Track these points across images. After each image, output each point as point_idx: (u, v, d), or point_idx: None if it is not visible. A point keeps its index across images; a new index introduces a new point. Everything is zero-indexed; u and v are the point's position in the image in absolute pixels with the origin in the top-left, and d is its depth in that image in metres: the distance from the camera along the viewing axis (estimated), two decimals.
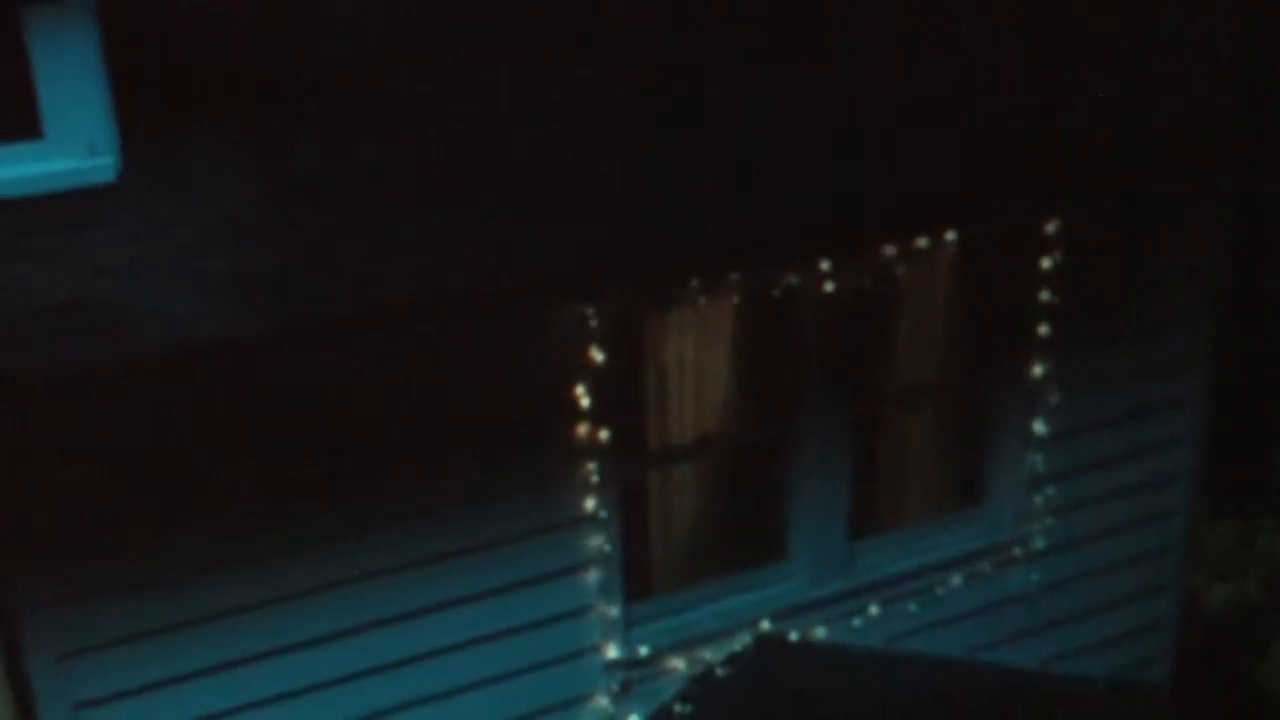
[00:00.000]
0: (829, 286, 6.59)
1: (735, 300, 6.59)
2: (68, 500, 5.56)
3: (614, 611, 6.76)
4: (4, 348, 4.91)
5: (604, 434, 6.40)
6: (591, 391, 6.29)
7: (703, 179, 5.76)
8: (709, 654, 7.05)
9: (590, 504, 6.49)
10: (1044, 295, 7.21)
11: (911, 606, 7.50)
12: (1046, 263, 7.15)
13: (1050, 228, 7.08)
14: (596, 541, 6.58)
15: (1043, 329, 7.28)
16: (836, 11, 6.23)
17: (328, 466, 5.90)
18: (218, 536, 5.84)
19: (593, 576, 6.64)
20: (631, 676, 6.91)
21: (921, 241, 6.72)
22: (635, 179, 5.65)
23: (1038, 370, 7.36)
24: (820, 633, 7.31)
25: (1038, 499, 7.62)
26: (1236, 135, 7.14)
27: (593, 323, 6.17)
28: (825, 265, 6.56)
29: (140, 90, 5.20)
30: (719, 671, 7.09)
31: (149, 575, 5.78)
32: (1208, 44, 7.12)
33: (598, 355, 6.24)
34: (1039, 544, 7.71)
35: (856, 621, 7.37)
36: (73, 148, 5.18)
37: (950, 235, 6.75)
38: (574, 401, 6.28)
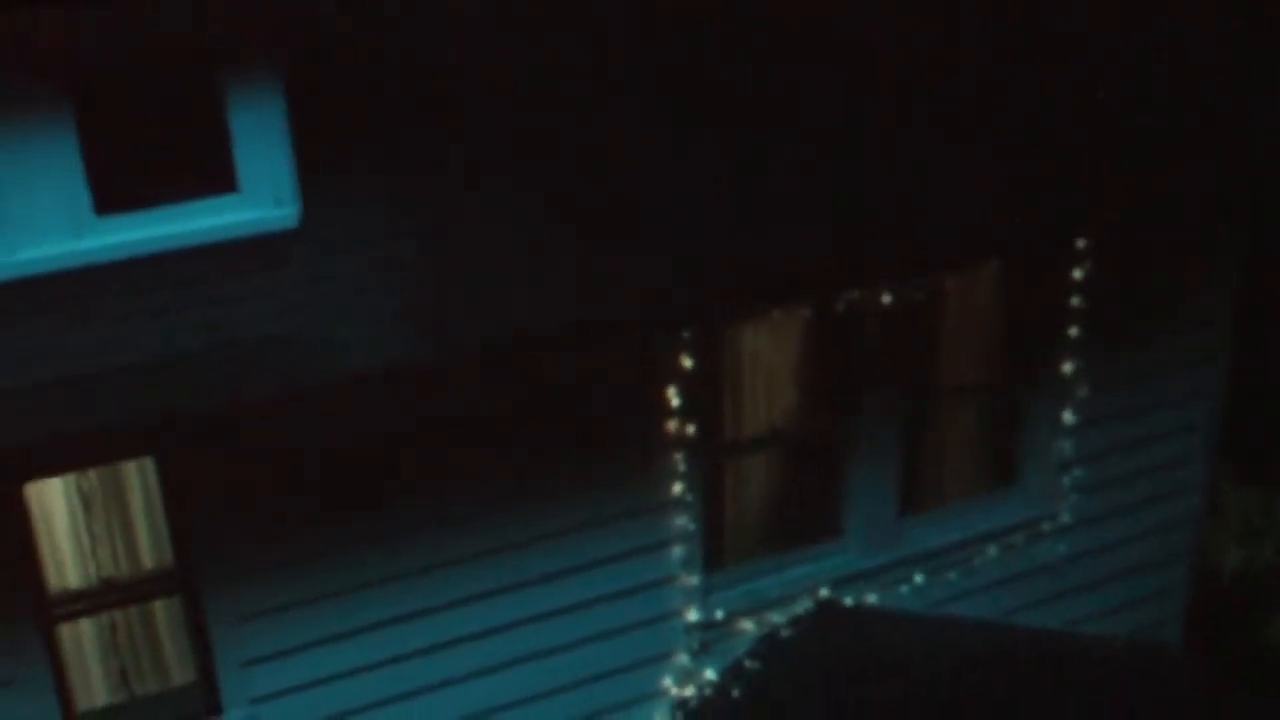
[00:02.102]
0: (886, 299, 7.87)
1: (805, 312, 7.89)
2: (245, 492, 6.89)
3: (695, 580, 8.08)
4: (215, 379, 6.24)
5: (690, 428, 7.71)
6: (681, 392, 7.61)
7: (787, 220, 7.07)
8: (775, 617, 8.36)
9: (677, 488, 7.80)
10: (1075, 301, 8.46)
11: (952, 575, 8.80)
12: (1077, 273, 8.40)
13: (1080, 242, 8.33)
14: (681, 521, 7.89)
15: (1073, 331, 8.54)
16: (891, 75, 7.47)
17: (462, 462, 7.23)
18: (365, 519, 7.17)
19: (677, 551, 7.96)
20: (709, 637, 8.23)
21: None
22: (730, 224, 6.96)
23: (1068, 367, 8.62)
24: (872, 599, 8.61)
25: (1066, 480, 8.90)
26: (1247, 158, 8.38)
27: (684, 334, 7.48)
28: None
29: (316, 149, 6.47)
30: (784, 632, 8.40)
31: (309, 553, 7.11)
32: (1220, 73, 8.33)
33: (687, 362, 7.54)
34: (1066, 519, 8.99)
35: (904, 589, 8.68)
36: (262, 199, 6.47)
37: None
38: (666, 401, 7.60)
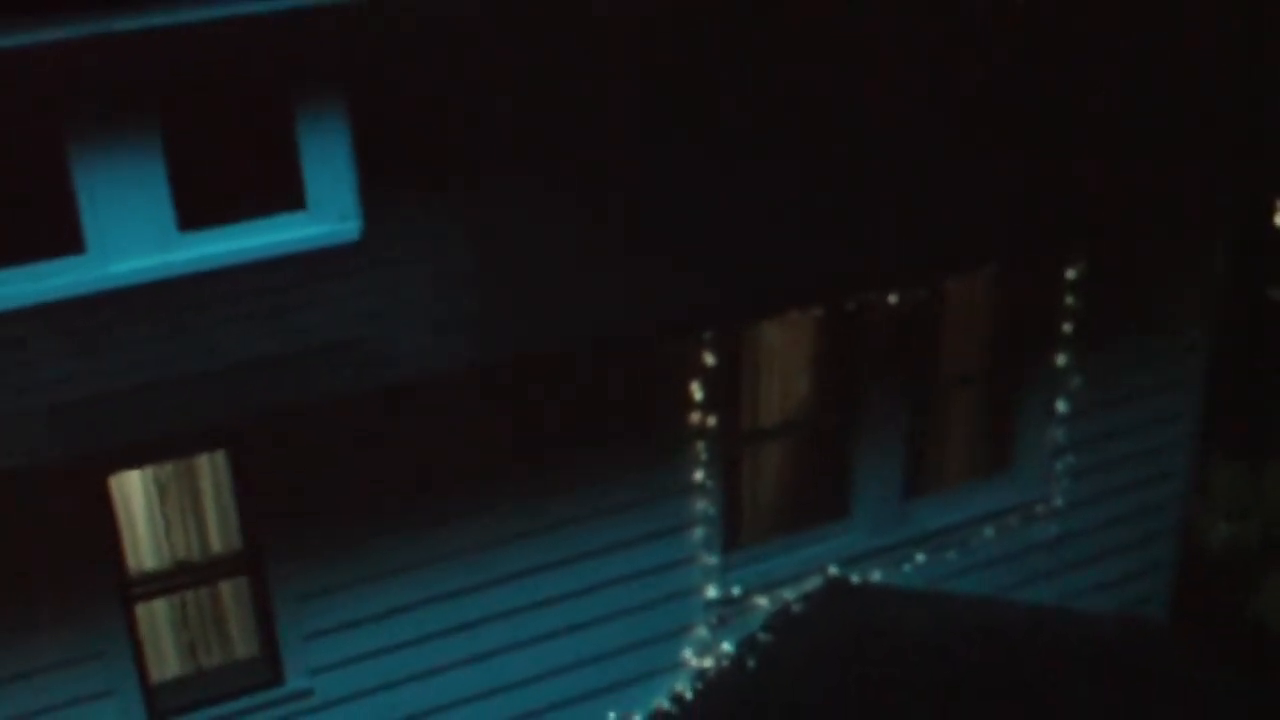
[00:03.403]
0: (893, 299, 8.69)
1: (818, 312, 8.72)
2: (309, 482, 7.72)
3: (713, 560, 8.92)
4: (284, 382, 7.05)
5: (711, 419, 8.53)
6: (703, 386, 8.43)
7: (802, 230, 7.91)
8: (787, 593, 9.20)
9: (699, 475, 8.63)
10: (1068, 299, 9.29)
11: (951, 554, 9.65)
12: (1071, 272, 9.23)
13: (1074, 244, 9.11)
14: (702, 505, 8.73)
15: (1066, 326, 9.37)
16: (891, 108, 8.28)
17: (504, 453, 8.06)
18: (417, 506, 7.99)
19: (698, 532, 8.79)
20: (726, 612, 9.07)
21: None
22: (752, 236, 7.79)
23: (1061, 360, 9.45)
24: (877, 576, 9.46)
25: (1058, 465, 9.75)
26: (1242, 160, 9.18)
27: (706, 335, 8.29)
28: None
29: (377, 168, 7.25)
30: (795, 607, 9.23)
31: (365, 536, 7.94)
32: (1218, 74, 9.10)
33: (709, 358, 8.36)
34: (1058, 502, 9.84)
35: (906, 567, 9.53)
36: (327, 215, 7.28)
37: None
38: (689, 394, 8.43)
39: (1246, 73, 9.15)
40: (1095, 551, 10.12)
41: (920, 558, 9.54)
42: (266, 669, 8.08)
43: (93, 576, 7.48)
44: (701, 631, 9.06)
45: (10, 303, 6.84)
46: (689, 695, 9.05)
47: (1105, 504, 10.01)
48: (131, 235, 6.97)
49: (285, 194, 7.24)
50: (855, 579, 9.38)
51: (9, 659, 7.45)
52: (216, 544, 8.04)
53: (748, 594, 9.09)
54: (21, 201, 6.86)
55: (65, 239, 6.93)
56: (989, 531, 9.70)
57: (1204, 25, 9.00)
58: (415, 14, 7.16)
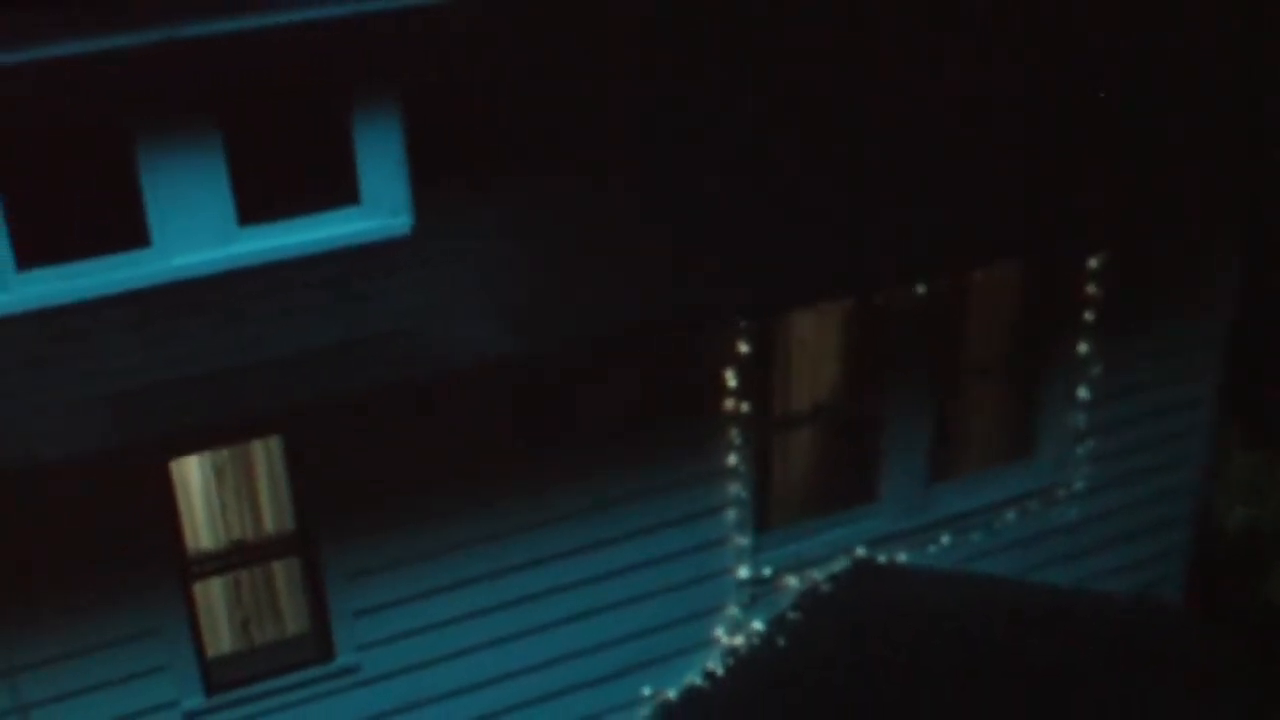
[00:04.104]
0: (920, 289, 8.98)
1: (847, 303, 9.01)
2: (360, 466, 8.02)
3: (745, 541, 9.23)
4: (339, 372, 7.37)
5: (744, 405, 8.83)
6: (737, 373, 8.72)
7: (835, 226, 8.21)
8: (816, 573, 9.51)
9: (732, 459, 8.94)
10: (1090, 288, 9.58)
11: (975, 537, 9.95)
12: (1093, 262, 9.51)
13: (1095, 237, 9.38)
14: (735, 488, 9.03)
15: (1088, 314, 9.65)
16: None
17: (546, 437, 8.36)
18: (463, 489, 8.30)
19: (731, 514, 9.10)
20: (757, 591, 9.38)
21: None
22: (787, 232, 8.10)
23: (1082, 347, 9.73)
24: (903, 558, 9.76)
25: (1079, 450, 10.04)
26: (1249, 156, 9.45)
27: (741, 324, 8.58)
28: None
29: (427, 165, 7.56)
30: (823, 587, 9.53)
31: (413, 519, 8.25)
32: (1221, 74, 9.36)
33: (743, 346, 8.66)
34: (1078, 486, 10.14)
35: (931, 549, 9.84)
36: (379, 210, 7.58)
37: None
38: (723, 381, 8.72)
39: (1246, 72, 9.42)
40: (1114, 535, 10.40)
41: (944, 540, 9.83)
42: (317, 645, 8.40)
43: (153, 556, 7.79)
44: (733, 610, 9.36)
45: (79, 295, 7.16)
46: (720, 672, 9.36)
47: (1124, 489, 10.29)
48: (194, 229, 7.27)
49: (338, 189, 7.55)
50: (881, 560, 9.68)
51: (73, 636, 7.77)
52: (270, 525, 8.37)
53: (778, 574, 9.39)
54: (91, 198, 7.18)
55: (131, 234, 7.24)
56: (1011, 515, 10.00)
57: (1206, 24, 9.25)
58: (466, 15, 7.44)
